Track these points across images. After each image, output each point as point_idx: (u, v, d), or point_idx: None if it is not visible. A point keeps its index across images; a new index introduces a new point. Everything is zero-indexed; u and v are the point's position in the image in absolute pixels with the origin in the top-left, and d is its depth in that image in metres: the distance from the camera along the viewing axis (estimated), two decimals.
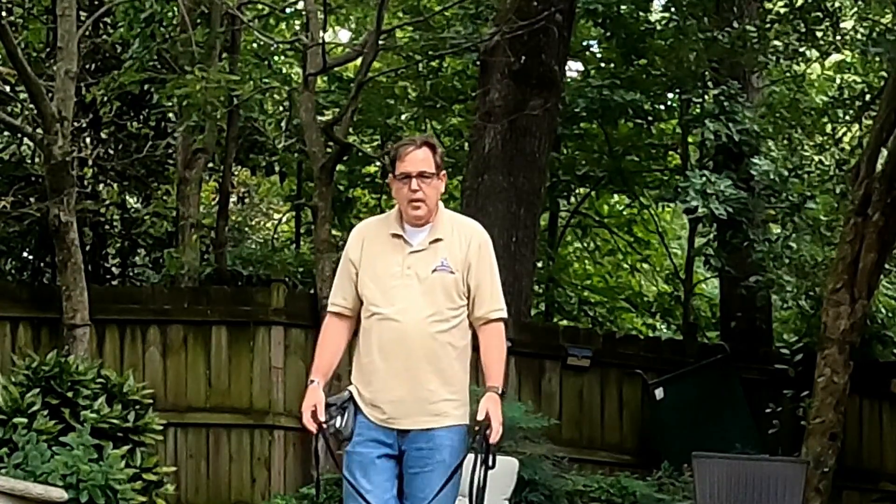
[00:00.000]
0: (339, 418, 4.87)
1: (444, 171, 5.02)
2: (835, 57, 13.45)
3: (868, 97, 11.72)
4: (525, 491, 9.09)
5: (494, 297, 4.97)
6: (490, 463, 4.79)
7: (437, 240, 4.94)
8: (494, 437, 4.76)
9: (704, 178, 11.07)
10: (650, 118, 13.42)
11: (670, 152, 14.20)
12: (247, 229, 15.20)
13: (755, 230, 11.65)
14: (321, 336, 5.05)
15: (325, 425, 4.81)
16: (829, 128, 12.44)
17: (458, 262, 4.90)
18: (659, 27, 12.74)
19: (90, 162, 11.90)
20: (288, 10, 12.49)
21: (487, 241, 5.02)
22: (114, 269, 13.47)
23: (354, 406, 4.90)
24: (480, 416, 4.79)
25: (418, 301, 4.85)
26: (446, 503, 4.83)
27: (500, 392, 4.84)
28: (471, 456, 4.81)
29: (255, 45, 13.24)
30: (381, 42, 10.13)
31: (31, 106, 9.98)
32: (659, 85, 12.81)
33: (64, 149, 9.20)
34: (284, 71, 13.85)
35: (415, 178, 4.90)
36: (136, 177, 12.65)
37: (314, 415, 4.80)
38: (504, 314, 4.99)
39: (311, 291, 10.51)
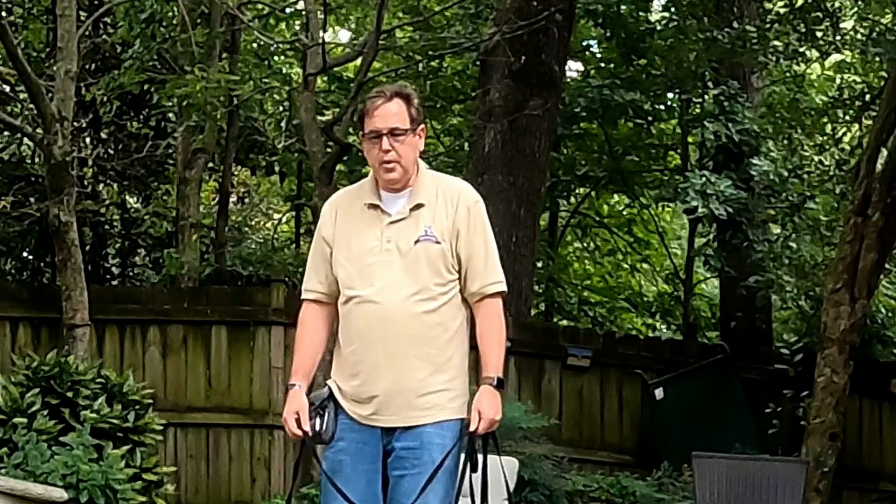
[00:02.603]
0: (318, 420, 4.30)
1: (422, 126, 4.38)
2: (835, 57, 13.45)
3: (868, 97, 11.72)
4: (525, 491, 9.09)
5: (490, 269, 4.33)
6: (479, 462, 4.26)
7: (418, 205, 4.30)
8: (482, 428, 4.22)
9: (704, 179, 11.08)
10: (650, 118, 13.43)
11: (670, 152, 14.20)
12: (247, 229, 15.20)
13: (755, 230, 11.65)
14: (299, 330, 4.43)
15: (310, 434, 4.29)
16: (829, 128, 12.45)
17: (444, 230, 4.27)
18: (659, 27, 12.75)
19: (90, 162, 11.90)
20: (288, 10, 12.48)
21: (478, 202, 4.38)
22: (114, 269, 13.47)
23: (335, 404, 4.32)
24: (473, 416, 4.24)
25: (399, 278, 4.24)
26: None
27: (496, 383, 4.25)
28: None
29: (255, 45, 13.23)
30: (381, 42, 10.12)
31: (31, 106, 9.98)
32: (659, 85, 12.82)
33: (64, 149, 9.19)
34: (284, 71, 13.83)
35: (385, 137, 4.26)
36: (136, 177, 12.64)
37: (298, 423, 4.27)
38: (503, 287, 4.36)
39: None
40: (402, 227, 4.30)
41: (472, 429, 4.25)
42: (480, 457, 4.29)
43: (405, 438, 4.26)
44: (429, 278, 4.26)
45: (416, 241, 4.27)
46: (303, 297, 4.46)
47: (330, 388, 4.37)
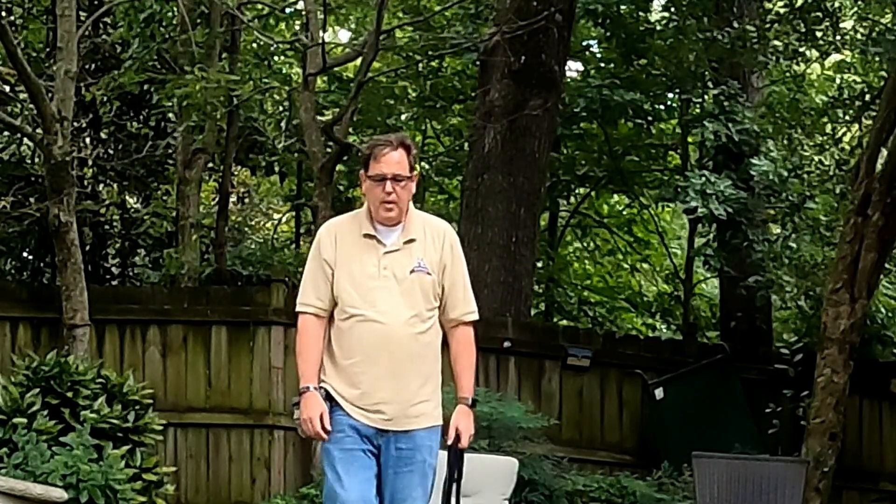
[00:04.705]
0: None
1: (416, 171, 5.00)
2: (835, 57, 13.43)
3: (868, 97, 11.70)
4: (525, 491, 9.09)
5: (467, 299, 5.04)
6: (458, 476, 4.96)
7: (410, 240, 4.95)
8: (464, 443, 4.96)
9: (704, 179, 11.07)
10: (650, 118, 13.41)
11: (670, 152, 14.19)
12: (247, 229, 15.21)
13: (755, 230, 11.64)
14: (303, 339, 4.99)
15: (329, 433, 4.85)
16: (829, 128, 12.42)
17: (433, 264, 4.94)
18: (659, 27, 12.74)
19: (90, 162, 11.90)
20: (288, 10, 12.48)
21: (457, 240, 5.08)
22: (114, 269, 13.47)
23: (330, 402, 4.89)
24: (451, 433, 4.94)
25: (399, 302, 4.87)
26: (424, 501, 4.92)
27: (470, 403, 4.97)
28: (443, 460, 4.96)
29: (255, 45, 13.23)
30: (381, 42, 10.13)
31: (31, 106, 9.98)
32: (659, 85, 12.82)
33: (64, 149, 9.19)
34: (284, 71, 13.84)
35: (389, 181, 4.88)
36: (136, 177, 12.64)
37: (322, 422, 4.83)
38: (476, 316, 5.06)
39: None
40: (397, 257, 4.92)
41: (449, 443, 4.96)
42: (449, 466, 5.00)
43: (401, 441, 4.89)
44: (422, 304, 4.91)
45: (412, 271, 4.91)
46: (300, 310, 5.02)
47: (325, 389, 4.91)
